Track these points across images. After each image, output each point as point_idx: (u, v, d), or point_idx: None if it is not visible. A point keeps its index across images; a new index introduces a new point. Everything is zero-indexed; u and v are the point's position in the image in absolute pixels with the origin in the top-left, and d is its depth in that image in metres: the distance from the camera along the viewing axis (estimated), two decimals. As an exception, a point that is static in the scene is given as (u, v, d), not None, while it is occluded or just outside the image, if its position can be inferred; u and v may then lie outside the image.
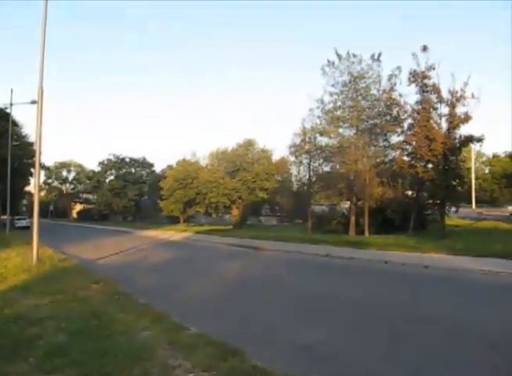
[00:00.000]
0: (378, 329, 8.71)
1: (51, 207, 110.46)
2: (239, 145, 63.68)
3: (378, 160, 36.00)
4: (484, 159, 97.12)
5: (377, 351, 7.35)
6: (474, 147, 44.83)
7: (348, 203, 39.85)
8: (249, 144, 63.37)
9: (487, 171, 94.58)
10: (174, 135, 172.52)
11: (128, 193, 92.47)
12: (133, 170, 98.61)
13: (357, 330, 8.79)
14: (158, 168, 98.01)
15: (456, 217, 37.65)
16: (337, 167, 37.87)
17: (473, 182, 66.60)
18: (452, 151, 29.49)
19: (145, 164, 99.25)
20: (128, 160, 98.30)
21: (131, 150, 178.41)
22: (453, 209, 31.26)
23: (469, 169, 41.20)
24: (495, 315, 9.69)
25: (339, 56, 35.66)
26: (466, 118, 29.02)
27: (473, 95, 28.45)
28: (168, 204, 67.42)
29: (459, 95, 29.07)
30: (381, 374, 6.43)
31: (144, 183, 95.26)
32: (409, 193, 35.47)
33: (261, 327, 9.05)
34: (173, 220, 71.41)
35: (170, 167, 78.78)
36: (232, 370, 6.01)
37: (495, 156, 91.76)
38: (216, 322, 9.35)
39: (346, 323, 9.28)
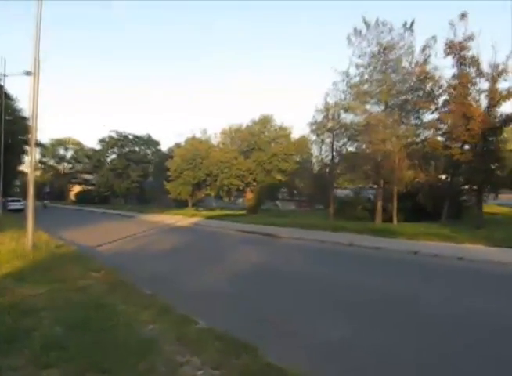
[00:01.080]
0: (423, 329, 8.65)
1: (46, 189, 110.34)
2: (255, 122, 63.60)
3: (409, 140, 35.67)
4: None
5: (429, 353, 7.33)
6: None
7: (375, 187, 39.62)
8: (265, 121, 63.23)
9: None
10: (182, 110, 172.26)
11: (130, 174, 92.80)
12: (137, 148, 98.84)
13: (391, 330, 8.63)
14: (164, 147, 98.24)
15: (494, 204, 37.35)
16: (363, 147, 37.64)
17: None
18: (492, 131, 29.21)
19: (150, 142, 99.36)
20: (131, 137, 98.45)
21: (134, 127, 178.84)
22: (492, 195, 31.03)
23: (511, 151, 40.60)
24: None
25: (367, 25, 35.23)
26: (509, 95, 28.69)
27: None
28: (175, 186, 67.63)
29: (500, 68, 28.71)
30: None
31: (149, 163, 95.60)
32: (443, 177, 35.29)
33: (277, 322, 9.03)
34: (180, 204, 71.59)
35: (177, 145, 78.76)
36: (244, 368, 6.01)
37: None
38: (227, 316, 9.38)
39: (380, 321, 9.20)
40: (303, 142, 57.10)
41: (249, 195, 63.29)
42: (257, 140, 61.18)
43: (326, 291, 12.01)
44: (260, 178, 59.46)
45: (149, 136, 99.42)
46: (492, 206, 36.46)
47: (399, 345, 7.63)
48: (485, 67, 29.11)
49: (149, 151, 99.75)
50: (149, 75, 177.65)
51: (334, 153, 41.34)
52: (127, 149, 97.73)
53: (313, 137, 44.49)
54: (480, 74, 29.26)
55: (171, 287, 12.44)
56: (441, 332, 8.31)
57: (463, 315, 9.47)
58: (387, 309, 10.04)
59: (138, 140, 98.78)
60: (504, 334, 8.21)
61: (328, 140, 41.60)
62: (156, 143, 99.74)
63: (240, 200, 70.77)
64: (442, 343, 7.64)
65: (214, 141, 67.98)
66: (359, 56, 36.04)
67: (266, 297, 11.39)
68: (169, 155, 76.77)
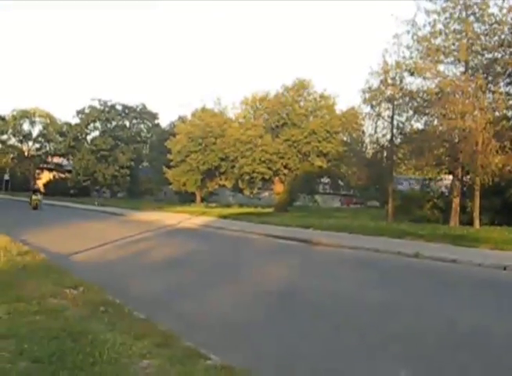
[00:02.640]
0: None
1: (6, 177, 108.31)
2: (287, 88, 63.33)
3: (498, 113, 35.43)
4: None
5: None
6: None
7: (450, 178, 39.40)
8: (301, 87, 62.84)
9: None
10: (188, 74, 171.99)
11: (119, 157, 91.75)
12: (127, 123, 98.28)
13: None
14: (165, 122, 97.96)
15: None
16: (435, 123, 37.52)
17: None
18: None
19: (145, 115, 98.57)
20: (119, 108, 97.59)
21: (124, 96, 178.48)
22: None
23: None
24: None
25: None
26: None
27: None
28: (179, 175, 67.54)
29: None
30: None
31: (144, 143, 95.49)
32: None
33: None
34: (186, 198, 71.60)
35: (182, 119, 78.37)
36: None
37: None
38: (245, 353, 9.31)
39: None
40: (352, 115, 56.82)
41: (278, 187, 63.19)
42: (290, 113, 60.83)
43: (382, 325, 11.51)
44: (293, 164, 59.13)
45: (144, 107, 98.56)
46: None
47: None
48: None
49: (143, 127, 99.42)
50: (143, 27, 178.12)
51: (395, 130, 41.22)
52: (114, 123, 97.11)
53: (366, 109, 44.28)
54: None
55: (170, 312, 12.42)
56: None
57: None
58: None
59: (129, 112, 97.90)
60: None
61: (386, 113, 41.57)
62: (154, 117, 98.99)
63: (266, 193, 70.78)
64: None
65: (232, 114, 67.76)
66: (431, 0, 35.75)
67: (298, 335, 11.02)
68: (171, 132, 76.41)
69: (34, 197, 56.66)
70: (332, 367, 8.54)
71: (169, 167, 69.04)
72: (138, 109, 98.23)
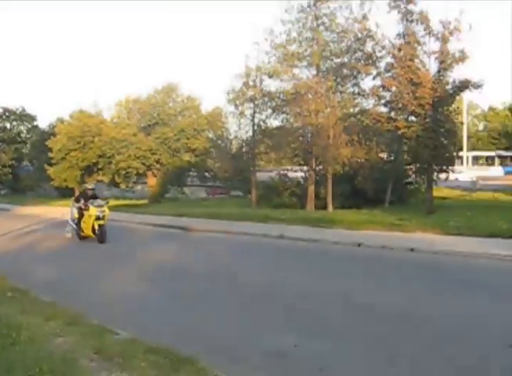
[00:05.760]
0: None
1: None
2: (157, 91, 63.13)
3: (346, 111, 36.21)
4: (477, 112, 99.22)
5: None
6: (467, 97, 45.84)
7: (305, 168, 39.96)
8: (170, 90, 62.83)
9: (481, 127, 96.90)
10: (65, 79, 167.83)
11: (1, 157, 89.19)
12: (8, 125, 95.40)
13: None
14: (44, 123, 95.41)
15: (443, 187, 38.33)
16: (291, 120, 37.94)
17: (465, 140, 68.42)
18: (444, 100, 29.86)
19: (24, 117, 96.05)
20: (0, 110, 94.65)
21: (4, 100, 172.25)
22: (444, 176, 31.76)
23: (461, 124, 42.06)
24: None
25: (294, -29, 35.43)
26: (462, 57, 29.39)
27: (471, 27, 28.92)
28: (60, 172, 65.81)
29: (452, 26, 29.37)
30: None
31: (24, 143, 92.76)
32: (386, 155, 36.01)
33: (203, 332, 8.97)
34: (66, 192, 69.84)
35: (61, 120, 76.77)
36: None
37: (492, 109, 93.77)
38: (147, 324, 9.27)
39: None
40: (217, 114, 57.40)
41: (151, 180, 62.78)
42: (161, 113, 60.88)
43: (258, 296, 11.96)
44: (165, 159, 58.94)
45: (24, 109, 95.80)
46: (441, 189, 37.38)
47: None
48: (435, 25, 29.78)
49: (23, 128, 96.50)
50: (20, 31, 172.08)
51: (256, 127, 41.46)
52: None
53: (230, 108, 44.57)
54: (429, 32, 29.88)
55: (74, 294, 12.07)
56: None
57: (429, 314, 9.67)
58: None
59: (8, 115, 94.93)
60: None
61: (248, 112, 41.85)
62: (33, 118, 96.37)
63: (139, 187, 70.16)
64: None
65: (108, 115, 67.05)
66: (286, 10, 36.08)
67: (190, 304, 11.28)
68: (50, 133, 74.50)
69: None
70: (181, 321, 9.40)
71: (50, 164, 67.19)
72: (18, 111, 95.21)
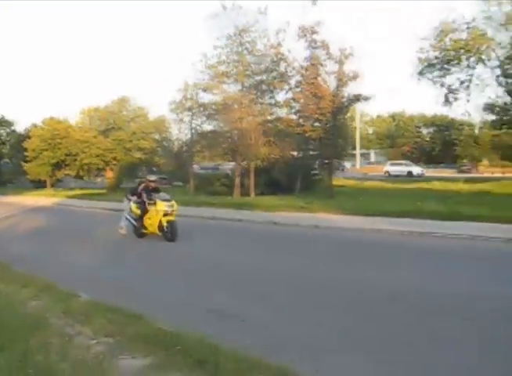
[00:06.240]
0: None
1: None
2: (114, 101, 62.45)
3: (264, 118, 36.26)
4: (367, 119, 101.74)
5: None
6: (359, 107, 46.77)
7: (233, 163, 40.00)
8: (123, 101, 62.32)
9: (371, 131, 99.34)
10: (39, 91, 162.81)
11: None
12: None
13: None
14: (21, 127, 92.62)
15: (342, 177, 39.07)
16: (221, 125, 37.77)
17: (358, 141, 70.38)
18: (340, 110, 30.49)
19: (4, 123, 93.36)
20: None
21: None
22: (341, 168, 32.41)
23: (355, 129, 43.20)
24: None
25: (224, 7, 35.17)
26: (355, 76, 30.03)
27: (360, 53, 29.49)
28: (34, 167, 64.39)
29: (347, 52, 29.94)
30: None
31: (4, 144, 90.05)
32: (296, 153, 36.27)
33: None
34: (39, 185, 68.43)
35: (34, 125, 75.17)
36: (137, 333, 5.93)
37: (379, 116, 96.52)
38: (105, 288, 9.08)
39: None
40: (162, 121, 56.98)
41: (109, 174, 61.87)
42: (116, 119, 60.23)
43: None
44: (120, 156, 58.27)
45: (3, 117, 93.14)
46: (339, 179, 38.13)
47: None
48: (334, 50, 30.19)
49: (3, 131, 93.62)
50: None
51: (193, 131, 41.27)
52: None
53: (172, 116, 44.34)
54: (329, 56, 30.31)
55: (44, 265, 11.71)
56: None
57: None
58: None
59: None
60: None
61: (187, 119, 41.30)
62: (10, 124, 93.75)
63: (100, 179, 69.14)
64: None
65: (73, 121, 65.98)
66: (217, 38, 35.72)
67: (137, 272, 11.25)
68: (26, 135, 72.96)
69: None
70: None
71: (26, 161, 65.81)
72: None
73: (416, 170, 58.52)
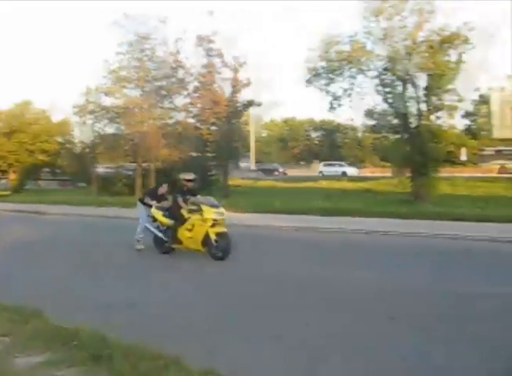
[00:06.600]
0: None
1: None
2: (17, 105, 60.11)
3: (164, 121, 36.30)
4: (263, 123, 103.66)
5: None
6: (253, 112, 47.41)
7: (134, 164, 39.38)
8: (26, 104, 60.26)
9: (264, 134, 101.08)
10: None
11: None
12: None
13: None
14: None
15: (237, 177, 39.44)
16: (123, 128, 37.45)
17: (252, 143, 71.44)
18: (235, 114, 31.02)
19: None
20: None
21: None
22: (237, 167, 32.75)
23: (249, 132, 43.67)
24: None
25: (126, 16, 34.76)
26: (248, 83, 30.56)
27: (256, 61, 30.04)
28: None
29: (241, 61, 30.39)
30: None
31: None
32: (194, 154, 36.25)
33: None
34: None
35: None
36: (36, 331, 5.86)
37: (272, 120, 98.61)
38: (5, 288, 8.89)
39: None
40: (65, 124, 55.56)
41: (13, 176, 59.62)
42: (19, 122, 57.71)
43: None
44: (23, 159, 56.21)
45: None
46: (235, 179, 38.63)
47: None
48: (229, 59, 30.56)
49: None
50: None
51: (95, 134, 40.62)
52: None
53: (75, 119, 44.06)
54: (224, 64, 30.64)
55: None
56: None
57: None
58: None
59: None
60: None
61: (89, 122, 40.89)
62: None
63: (4, 181, 66.16)
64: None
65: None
66: (119, 45, 35.44)
67: (42, 268, 11.18)
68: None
69: None
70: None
71: None
72: None
73: (351, 170, 59.27)
